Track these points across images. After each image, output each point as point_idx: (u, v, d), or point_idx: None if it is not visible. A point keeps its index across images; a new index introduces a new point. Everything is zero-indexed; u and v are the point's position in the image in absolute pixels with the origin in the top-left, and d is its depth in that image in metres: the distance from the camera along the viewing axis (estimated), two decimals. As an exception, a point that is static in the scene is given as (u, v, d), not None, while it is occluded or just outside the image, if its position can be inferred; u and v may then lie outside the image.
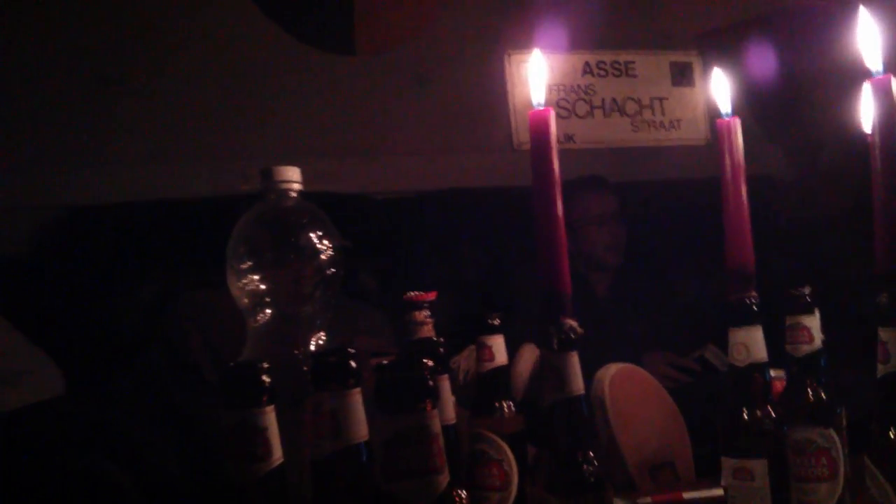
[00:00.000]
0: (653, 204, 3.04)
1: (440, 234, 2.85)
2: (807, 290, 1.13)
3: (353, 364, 0.80)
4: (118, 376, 2.17)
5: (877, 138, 0.98)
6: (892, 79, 0.98)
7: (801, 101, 3.18)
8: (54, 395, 2.01)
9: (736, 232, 1.10)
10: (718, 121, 1.13)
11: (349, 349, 0.81)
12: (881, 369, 0.94)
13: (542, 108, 1.01)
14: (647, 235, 2.89)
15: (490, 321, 1.22)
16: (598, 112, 3.36)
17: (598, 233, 2.66)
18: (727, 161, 1.12)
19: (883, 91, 0.98)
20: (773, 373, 1.15)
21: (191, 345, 2.06)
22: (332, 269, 1.17)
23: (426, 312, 1.16)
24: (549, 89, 3.28)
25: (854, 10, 1.04)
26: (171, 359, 2.10)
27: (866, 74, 1.00)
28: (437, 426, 0.69)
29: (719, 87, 1.15)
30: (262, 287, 1.16)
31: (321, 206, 1.26)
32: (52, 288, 2.52)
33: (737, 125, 1.12)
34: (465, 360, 2.00)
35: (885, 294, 0.93)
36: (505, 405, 1.21)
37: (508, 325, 1.24)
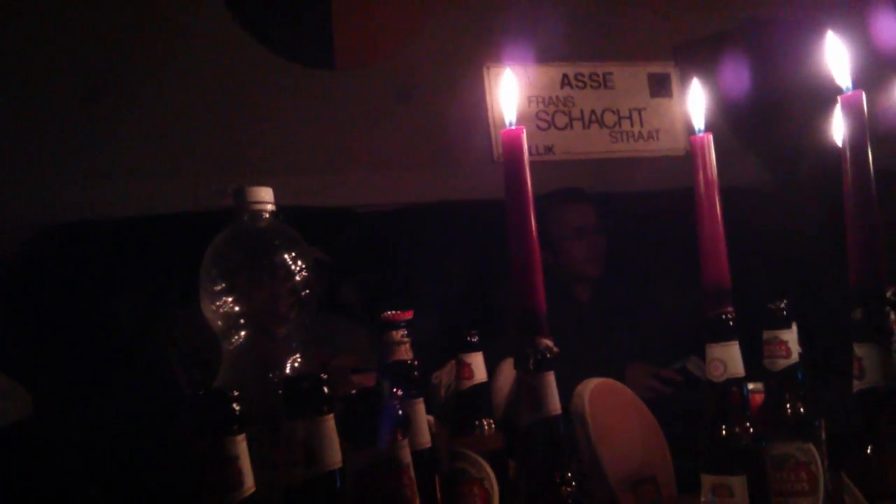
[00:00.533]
0: (633, 214, 3.05)
1: (422, 248, 2.85)
2: (783, 304, 1.13)
3: (325, 391, 0.79)
4: (102, 393, 2.15)
5: (848, 154, 0.98)
6: (863, 95, 0.98)
7: (778, 111, 3.20)
8: (23, 417, 1.99)
9: (711, 248, 1.11)
10: (692, 137, 1.13)
11: (322, 375, 0.80)
12: (857, 385, 0.94)
13: (514, 126, 1.00)
14: (628, 246, 2.90)
15: (469, 338, 1.21)
16: (577, 124, 3.37)
17: (578, 245, 2.66)
18: (701, 177, 1.12)
19: (854, 107, 0.98)
20: (751, 386, 1.15)
21: (170, 363, 2.04)
22: (307, 291, 1.16)
23: (403, 332, 1.15)
24: (528, 101, 3.31)
25: (827, 22, 1.05)
26: (153, 376, 2.09)
27: (839, 89, 1.01)
28: (406, 456, 0.68)
29: (695, 102, 1.15)
30: (236, 309, 1.14)
31: (303, 220, 1.25)
32: (37, 305, 2.50)
33: (710, 141, 1.12)
34: (446, 376, 1.99)
35: (860, 310, 0.94)
36: (485, 423, 1.20)
37: (491, 341, 1.24)
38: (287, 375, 1.11)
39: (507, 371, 1.80)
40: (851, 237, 0.97)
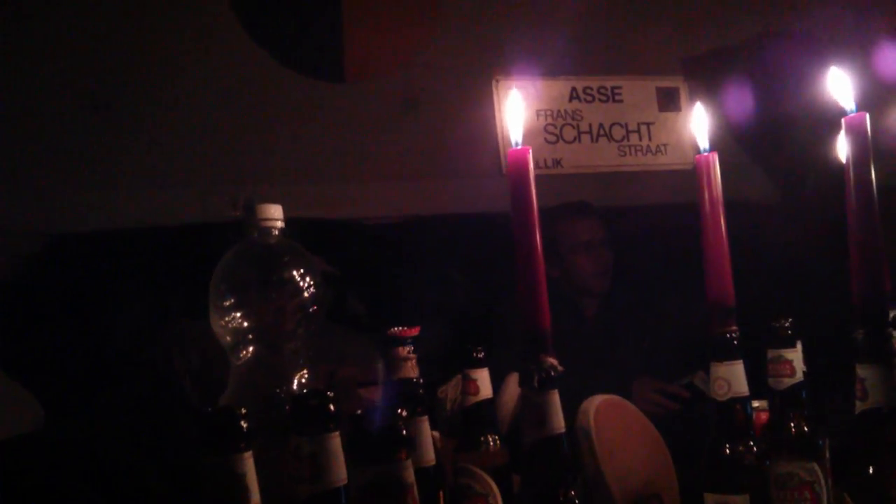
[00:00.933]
0: (641, 228, 3.05)
1: (430, 260, 2.86)
2: (788, 323, 1.13)
3: (332, 408, 0.80)
4: (105, 401, 2.17)
5: (851, 174, 0.99)
6: (867, 117, 0.99)
7: (785, 127, 3.20)
8: (34, 427, 2.00)
9: (715, 266, 1.11)
10: (697, 157, 1.14)
11: (328, 392, 0.81)
12: (859, 406, 0.95)
13: (520, 146, 1.02)
14: (636, 260, 2.90)
15: (475, 354, 1.22)
16: (585, 137, 3.38)
17: (586, 259, 2.67)
18: (706, 195, 1.13)
19: (857, 129, 0.99)
20: (756, 404, 1.16)
21: (176, 370, 2.06)
22: (315, 307, 1.17)
23: (409, 348, 1.16)
24: (537, 115, 3.33)
25: (834, 40, 1.06)
26: (157, 385, 2.10)
27: (843, 110, 1.02)
28: (409, 476, 0.69)
29: (699, 122, 1.16)
30: (245, 325, 1.16)
31: (310, 231, 1.26)
32: (41, 314, 2.52)
33: (715, 160, 1.13)
34: (452, 390, 2.00)
35: (862, 331, 0.94)
36: (490, 439, 1.21)
37: (497, 355, 1.25)
38: (294, 391, 1.13)
39: (513, 386, 1.80)
40: (854, 257, 0.98)
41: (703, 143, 1.13)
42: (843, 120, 1.00)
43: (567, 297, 2.67)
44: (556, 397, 0.96)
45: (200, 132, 2.95)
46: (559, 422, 0.96)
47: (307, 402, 0.81)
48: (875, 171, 0.99)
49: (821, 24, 3.10)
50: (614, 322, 2.70)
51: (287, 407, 0.84)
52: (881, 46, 2.73)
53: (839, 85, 1.01)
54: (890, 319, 1.02)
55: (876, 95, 1.15)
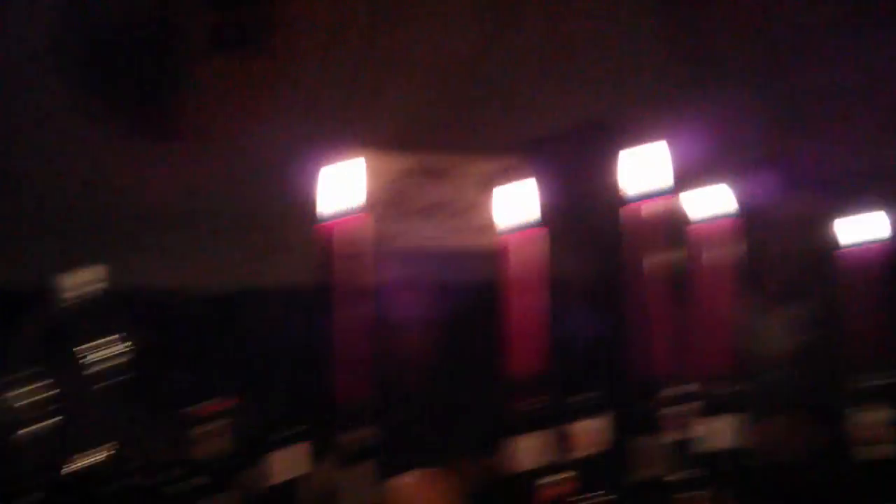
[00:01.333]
0: (470, 304, 3.11)
1: (256, 334, 2.80)
2: (587, 397, 1.19)
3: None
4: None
5: (629, 260, 1.07)
6: (643, 208, 1.07)
7: (599, 211, 3.38)
8: None
9: (517, 342, 1.15)
10: (502, 236, 1.19)
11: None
12: (635, 476, 1.00)
13: (348, 217, 1.02)
14: (463, 334, 2.96)
15: (280, 434, 1.20)
16: (418, 215, 3.45)
17: (411, 333, 2.70)
18: (511, 273, 1.18)
19: (634, 218, 1.07)
20: (556, 475, 1.20)
21: None
22: (109, 379, 1.13)
23: (214, 425, 1.13)
24: (371, 191, 3.36)
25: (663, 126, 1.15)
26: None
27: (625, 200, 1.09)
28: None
29: (516, 203, 1.22)
30: (37, 397, 1.10)
31: (126, 302, 1.22)
32: None
33: (524, 240, 1.18)
34: (257, 469, 1.94)
35: (639, 405, 1.01)
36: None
37: (319, 430, 1.22)
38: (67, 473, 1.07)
39: (328, 464, 1.78)
40: (631, 336, 1.05)
41: (516, 223, 1.18)
42: (622, 209, 1.07)
43: (392, 369, 2.68)
44: (365, 471, 0.96)
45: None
46: (367, 498, 0.96)
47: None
48: (675, 252, 1.07)
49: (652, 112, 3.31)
50: (437, 398, 2.73)
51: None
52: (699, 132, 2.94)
53: (630, 172, 1.09)
54: (669, 396, 1.09)
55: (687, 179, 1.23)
